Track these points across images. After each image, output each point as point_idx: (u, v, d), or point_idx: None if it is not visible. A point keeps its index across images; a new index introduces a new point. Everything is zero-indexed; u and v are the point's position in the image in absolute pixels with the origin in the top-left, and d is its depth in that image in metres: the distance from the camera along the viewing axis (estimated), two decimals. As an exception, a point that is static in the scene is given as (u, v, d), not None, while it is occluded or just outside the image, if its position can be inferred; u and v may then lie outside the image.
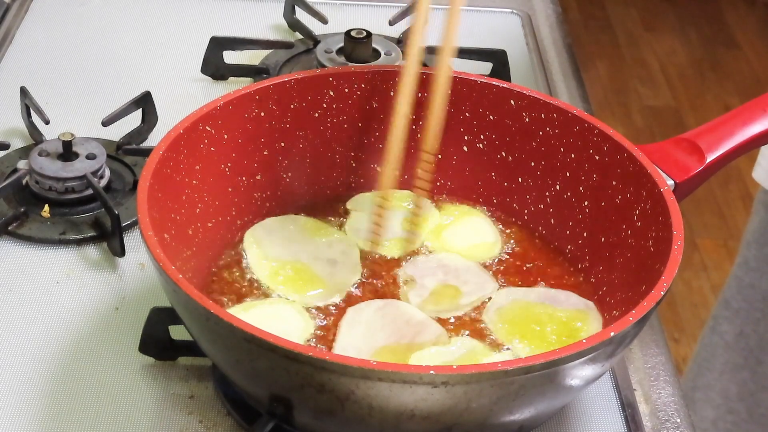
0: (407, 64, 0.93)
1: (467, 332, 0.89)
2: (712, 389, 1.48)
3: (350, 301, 0.91)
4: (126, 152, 1.11)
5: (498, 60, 1.27)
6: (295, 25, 1.34)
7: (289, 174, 1.00)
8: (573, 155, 0.97)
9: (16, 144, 1.13)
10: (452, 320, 0.90)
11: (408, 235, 0.95)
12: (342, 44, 1.24)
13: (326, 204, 1.01)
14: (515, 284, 0.94)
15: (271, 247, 0.94)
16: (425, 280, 0.93)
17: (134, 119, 1.14)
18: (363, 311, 0.89)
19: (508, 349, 0.87)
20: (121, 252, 1.00)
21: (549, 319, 0.89)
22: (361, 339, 0.87)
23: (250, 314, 0.88)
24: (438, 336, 0.88)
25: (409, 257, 0.96)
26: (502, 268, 0.96)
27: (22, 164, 1.07)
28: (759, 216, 1.41)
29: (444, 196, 1.03)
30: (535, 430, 0.86)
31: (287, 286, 0.91)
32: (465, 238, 0.98)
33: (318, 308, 0.90)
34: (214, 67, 1.25)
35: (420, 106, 1.01)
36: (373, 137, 1.02)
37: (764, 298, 1.41)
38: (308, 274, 0.92)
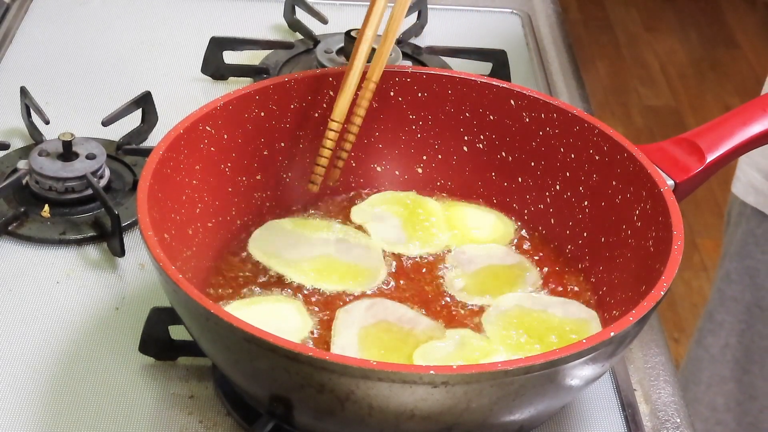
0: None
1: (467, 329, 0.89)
2: (699, 403, 1.48)
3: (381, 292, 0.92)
4: (126, 152, 1.11)
5: (498, 60, 1.27)
6: (295, 25, 1.34)
7: (289, 174, 1.00)
8: (573, 155, 0.97)
9: (16, 144, 1.13)
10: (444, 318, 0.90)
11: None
12: (342, 44, 1.24)
13: (326, 204, 1.01)
14: (515, 284, 0.95)
15: (285, 251, 0.94)
16: (469, 268, 0.95)
17: (134, 119, 1.14)
18: (352, 312, 0.89)
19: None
20: (121, 252, 1.00)
21: (548, 329, 0.89)
22: (355, 338, 0.87)
23: (249, 311, 0.88)
24: (432, 329, 0.88)
25: (452, 249, 0.97)
26: (502, 268, 0.96)
27: (22, 164, 1.07)
28: (740, 228, 1.41)
29: (444, 195, 1.03)
30: (535, 430, 0.86)
31: (323, 279, 0.92)
32: (481, 228, 0.99)
33: (318, 305, 0.90)
34: (214, 67, 1.25)
35: (420, 106, 1.01)
36: (373, 137, 1.02)
37: (748, 310, 1.41)
38: (338, 264, 0.93)
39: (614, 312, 0.89)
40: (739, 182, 1.39)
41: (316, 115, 0.99)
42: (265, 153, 0.98)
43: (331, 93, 0.99)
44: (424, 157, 1.03)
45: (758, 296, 1.40)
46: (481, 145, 1.01)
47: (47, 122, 1.11)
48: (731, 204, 1.45)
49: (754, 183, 1.37)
